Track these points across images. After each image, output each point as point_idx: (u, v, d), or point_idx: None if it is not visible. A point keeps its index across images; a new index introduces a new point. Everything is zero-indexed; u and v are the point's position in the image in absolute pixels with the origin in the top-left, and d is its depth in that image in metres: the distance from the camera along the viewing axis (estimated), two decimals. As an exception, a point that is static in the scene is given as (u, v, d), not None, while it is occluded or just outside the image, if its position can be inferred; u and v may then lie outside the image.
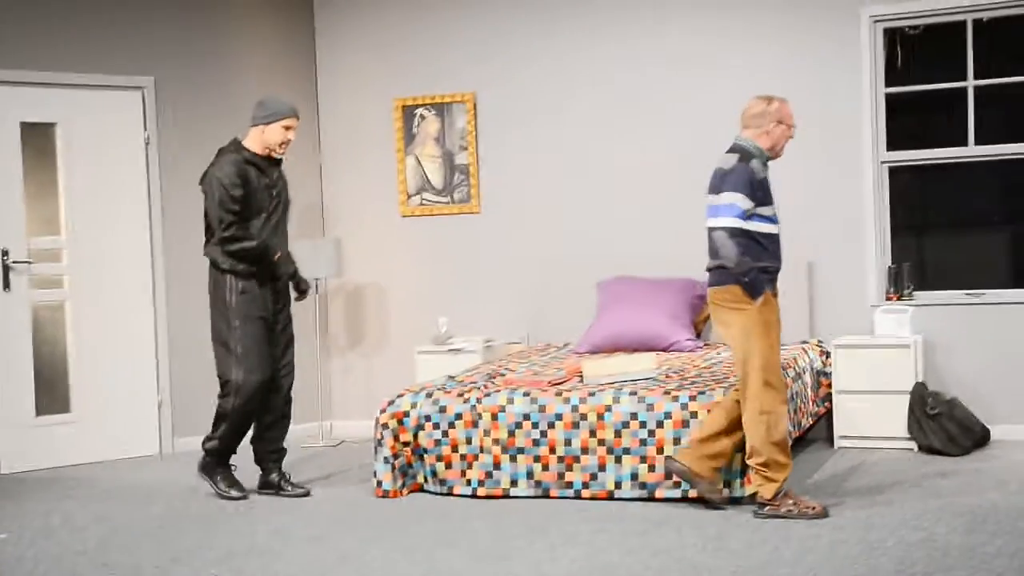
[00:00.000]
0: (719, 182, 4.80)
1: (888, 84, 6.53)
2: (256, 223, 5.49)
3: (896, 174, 6.60)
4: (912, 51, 6.53)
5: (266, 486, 5.68)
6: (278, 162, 5.64)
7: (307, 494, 5.61)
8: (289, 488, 5.64)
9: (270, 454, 5.68)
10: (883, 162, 6.55)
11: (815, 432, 6.57)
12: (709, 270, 4.91)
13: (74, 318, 6.74)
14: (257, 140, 5.52)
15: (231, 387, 5.48)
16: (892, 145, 6.55)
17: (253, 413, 5.57)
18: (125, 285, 6.88)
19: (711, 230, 4.80)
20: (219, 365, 5.55)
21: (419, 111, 7.34)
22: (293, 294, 5.76)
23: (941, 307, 6.41)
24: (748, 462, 4.84)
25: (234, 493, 5.57)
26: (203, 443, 5.65)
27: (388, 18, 7.44)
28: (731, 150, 4.85)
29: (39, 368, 6.65)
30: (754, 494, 4.92)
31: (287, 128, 5.49)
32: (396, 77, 7.41)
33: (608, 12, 6.99)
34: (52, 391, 6.70)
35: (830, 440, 6.42)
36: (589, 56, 7.05)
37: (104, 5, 6.80)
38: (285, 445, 5.75)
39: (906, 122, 6.73)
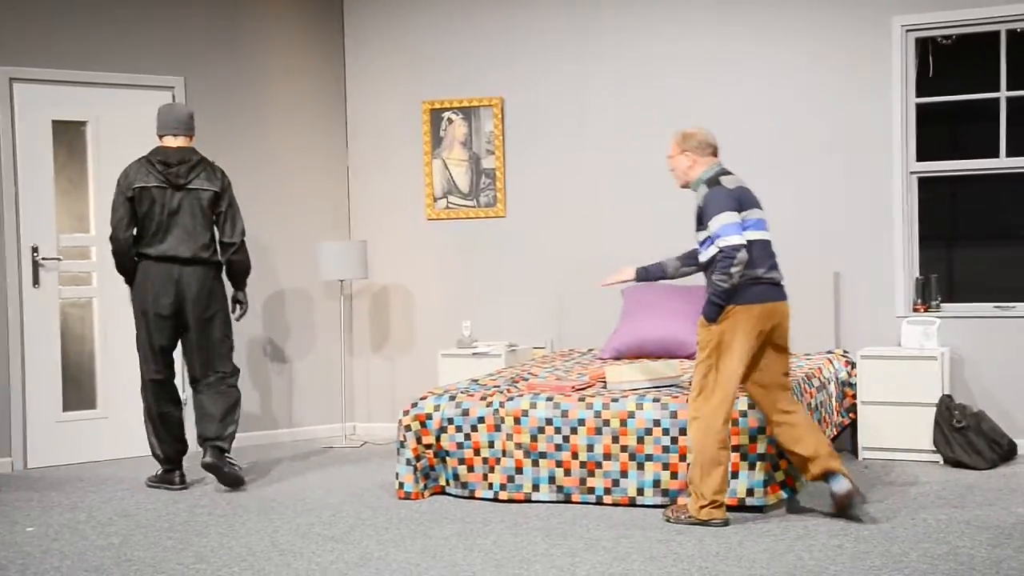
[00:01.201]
0: (708, 211, 4.79)
1: (919, 94, 6.50)
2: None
3: (926, 184, 6.56)
4: (944, 61, 6.49)
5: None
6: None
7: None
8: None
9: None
10: (912, 172, 6.50)
11: (839, 443, 6.54)
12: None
13: (102, 315, 6.79)
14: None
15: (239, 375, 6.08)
16: (922, 155, 6.51)
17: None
18: None
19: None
20: (230, 357, 5.97)
21: (446, 114, 7.35)
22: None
23: (969, 319, 6.36)
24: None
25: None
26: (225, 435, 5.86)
27: (417, 21, 7.47)
28: (707, 181, 4.88)
29: (66, 364, 6.70)
30: (775, 504, 4.93)
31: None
32: (424, 80, 7.44)
33: (635, 18, 6.98)
34: (79, 387, 6.75)
35: (854, 451, 6.38)
36: (616, 61, 7.04)
37: (136, 5, 6.86)
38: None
39: (937, 132, 6.68)
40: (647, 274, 5.20)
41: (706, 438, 4.78)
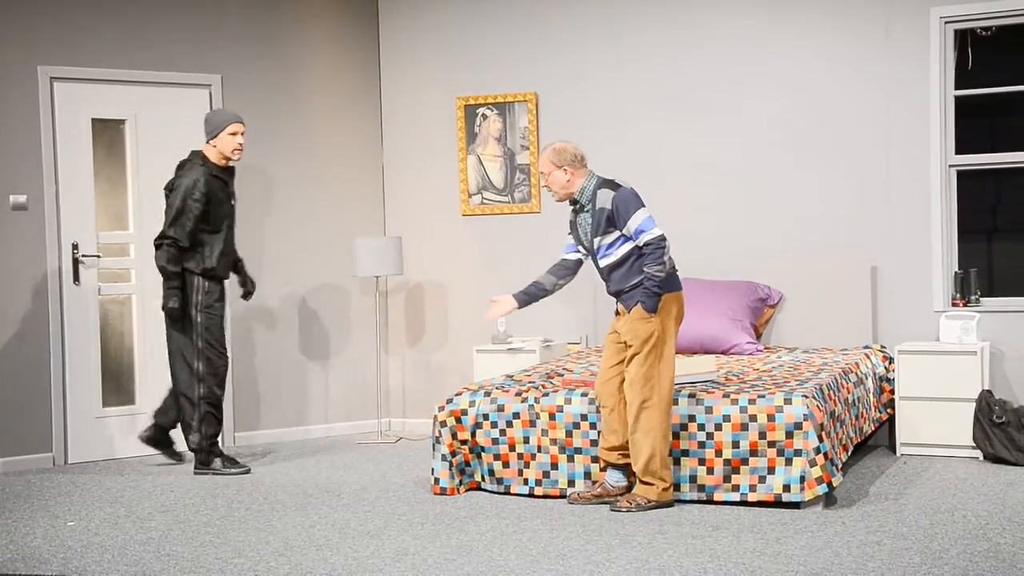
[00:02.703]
0: (624, 211, 4.99)
1: (958, 86, 6.42)
2: (221, 232, 6.16)
3: (965, 177, 6.49)
4: (983, 53, 6.41)
5: (161, 444, 6.47)
6: (232, 171, 6.27)
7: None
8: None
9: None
10: (951, 165, 6.44)
11: (877, 439, 6.49)
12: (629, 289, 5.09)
13: (140, 312, 6.85)
14: (214, 154, 6.16)
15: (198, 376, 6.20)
16: (961, 148, 6.44)
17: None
18: None
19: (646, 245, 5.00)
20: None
21: (481, 110, 7.36)
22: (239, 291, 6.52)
23: (1009, 314, 6.30)
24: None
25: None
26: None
27: (451, 17, 7.47)
28: (601, 187, 5.07)
29: (105, 361, 6.77)
30: (812, 500, 4.95)
31: (233, 134, 6.12)
32: (458, 76, 7.44)
33: (671, 13, 6.95)
34: (118, 383, 6.82)
35: (892, 447, 6.34)
36: (651, 56, 7.02)
37: (173, 4, 6.91)
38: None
39: (976, 125, 6.61)
40: (528, 298, 5.38)
41: (664, 426, 4.98)
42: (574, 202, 5.22)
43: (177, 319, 6.11)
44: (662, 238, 4.96)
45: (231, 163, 6.23)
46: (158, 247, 6.08)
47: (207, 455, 6.18)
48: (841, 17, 6.59)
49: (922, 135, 6.42)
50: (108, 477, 6.21)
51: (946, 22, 6.37)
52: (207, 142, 6.15)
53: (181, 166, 6.20)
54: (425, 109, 7.49)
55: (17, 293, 6.51)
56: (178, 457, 6.47)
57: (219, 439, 6.30)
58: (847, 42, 6.57)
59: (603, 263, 5.11)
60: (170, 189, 6.14)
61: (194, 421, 6.17)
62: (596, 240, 5.09)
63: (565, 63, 7.20)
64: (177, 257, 6.07)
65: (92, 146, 6.71)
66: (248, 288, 6.47)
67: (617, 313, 5.18)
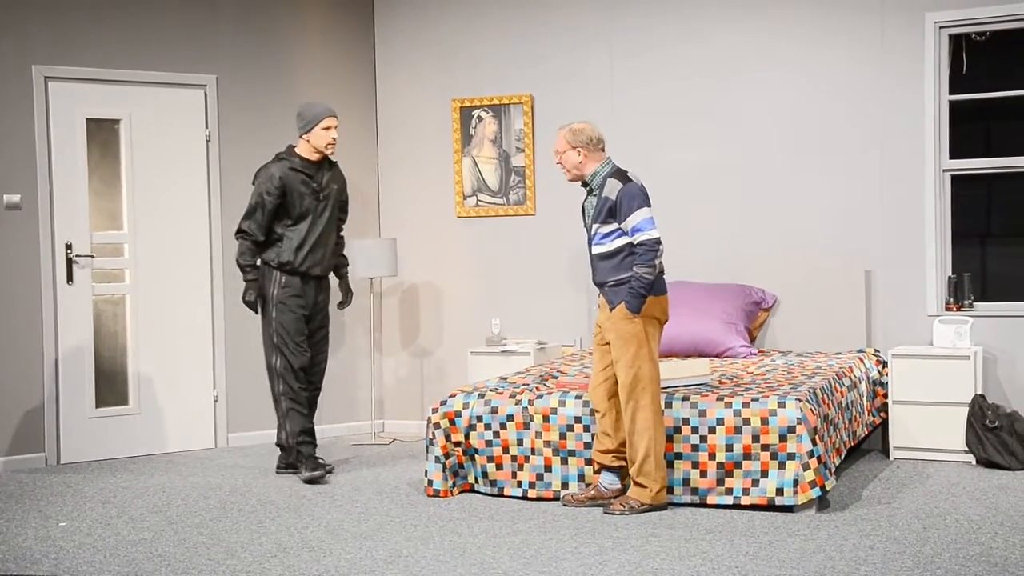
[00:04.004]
0: (626, 206, 4.98)
1: (952, 91, 6.42)
2: (301, 226, 5.93)
3: (959, 182, 6.49)
4: (978, 57, 6.41)
5: (290, 467, 6.11)
6: (331, 165, 6.04)
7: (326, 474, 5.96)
8: (312, 469, 5.97)
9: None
10: (945, 170, 6.44)
11: (870, 442, 6.50)
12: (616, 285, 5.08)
13: (134, 312, 6.84)
14: (306, 148, 5.98)
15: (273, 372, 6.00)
16: (955, 153, 6.43)
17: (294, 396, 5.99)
18: (184, 280, 6.97)
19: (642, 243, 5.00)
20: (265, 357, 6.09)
21: (476, 112, 7.35)
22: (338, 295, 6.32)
23: (1002, 319, 6.30)
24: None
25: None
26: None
27: (446, 19, 7.46)
28: (612, 175, 5.05)
29: (99, 361, 6.75)
30: (805, 503, 4.95)
31: (327, 128, 5.91)
32: (454, 78, 7.43)
33: (666, 16, 6.95)
34: (112, 383, 6.80)
35: (885, 451, 6.34)
36: (646, 59, 7.01)
37: (169, 4, 6.89)
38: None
39: (970, 130, 6.61)
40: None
41: (657, 428, 4.99)
42: (585, 184, 5.20)
43: (256, 312, 6.03)
44: (657, 241, 4.96)
45: (327, 156, 6.01)
46: (238, 240, 5.99)
47: (294, 454, 5.98)
48: (836, 22, 6.58)
49: (917, 139, 6.43)
50: (101, 477, 6.19)
51: (941, 27, 6.37)
52: (300, 136, 5.96)
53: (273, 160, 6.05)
54: (420, 111, 7.48)
55: (10, 293, 6.50)
56: (322, 467, 5.99)
57: (312, 438, 6.00)
58: (842, 46, 6.57)
59: (595, 250, 5.10)
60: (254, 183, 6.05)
61: (279, 418, 6.04)
62: (594, 226, 5.09)
63: (561, 65, 7.20)
64: (251, 250, 5.94)
65: (87, 146, 6.69)
66: (343, 299, 6.28)
67: (600, 306, 5.20)
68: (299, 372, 5.97)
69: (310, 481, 5.86)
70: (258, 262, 6.01)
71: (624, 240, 5.03)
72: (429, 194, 7.53)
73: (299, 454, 5.96)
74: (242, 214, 6.01)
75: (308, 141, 5.94)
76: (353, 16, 7.55)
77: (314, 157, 5.96)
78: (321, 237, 5.99)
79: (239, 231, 5.97)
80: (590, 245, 5.15)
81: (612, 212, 5.01)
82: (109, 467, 6.49)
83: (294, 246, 5.93)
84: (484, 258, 7.41)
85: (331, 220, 6.05)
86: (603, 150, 5.14)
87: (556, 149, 5.17)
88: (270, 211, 5.89)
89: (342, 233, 6.26)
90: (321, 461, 6.01)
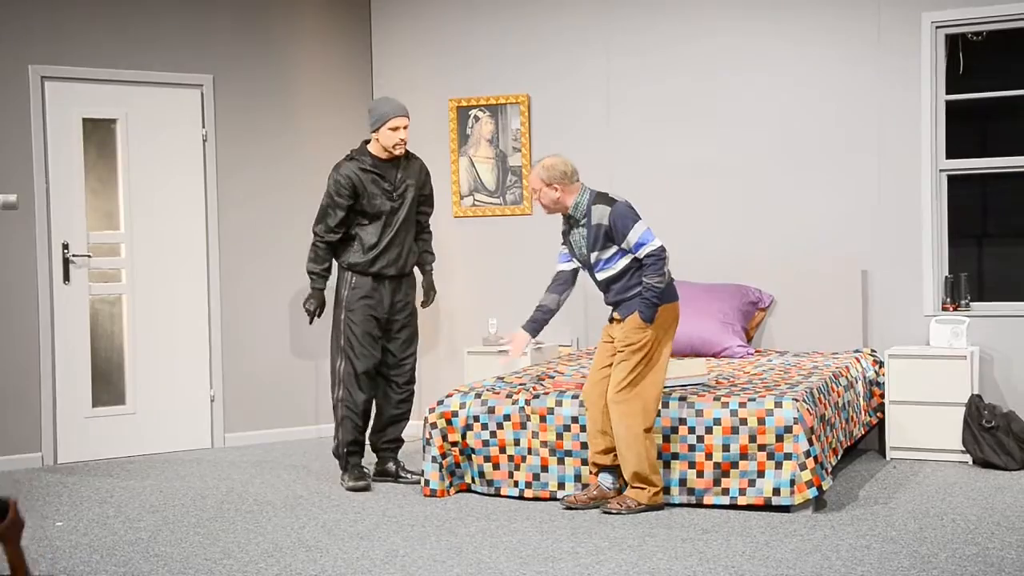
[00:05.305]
0: (622, 226, 4.99)
1: (948, 91, 6.42)
2: (374, 227, 5.73)
3: (956, 182, 6.48)
4: (974, 58, 6.40)
5: (383, 474, 5.91)
6: (403, 163, 5.79)
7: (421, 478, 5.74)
8: (406, 475, 5.85)
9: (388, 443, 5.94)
10: (942, 170, 6.43)
11: (866, 443, 6.49)
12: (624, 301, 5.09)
13: (131, 312, 6.82)
14: (376, 147, 5.75)
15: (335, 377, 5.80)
16: (952, 153, 6.42)
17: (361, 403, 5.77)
18: (181, 280, 6.95)
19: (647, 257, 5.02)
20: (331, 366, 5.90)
21: (473, 112, 7.33)
22: (420, 296, 6.12)
23: (999, 319, 6.29)
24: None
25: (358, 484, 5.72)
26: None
27: (444, 19, 7.45)
28: (595, 202, 5.05)
29: (96, 361, 6.74)
30: (802, 504, 4.95)
31: (394, 129, 5.67)
32: (451, 77, 7.42)
33: (661, 15, 6.95)
34: (108, 383, 6.79)
35: (882, 451, 6.34)
36: (643, 59, 7.00)
37: (165, 4, 6.88)
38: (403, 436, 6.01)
39: (967, 130, 6.60)
40: (538, 325, 5.29)
41: (647, 442, 4.97)
42: (568, 216, 5.19)
43: (312, 321, 5.82)
44: (662, 249, 4.97)
45: (395, 155, 5.74)
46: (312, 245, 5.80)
47: (343, 461, 5.75)
48: (833, 21, 6.58)
49: (913, 139, 6.42)
50: (97, 478, 6.18)
51: (937, 27, 6.36)
52: (371, 132, 5.73)
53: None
54: (417, 110, 7.44)
55: (7, 292, 6.49)
56: (407, 473, 5.86)
57: (361, 448, 5.80)
58: (839, 46, 6.56)
59: (601, 276, 5.10)
60: None
61: (336, 425, 5.80)
62: (594, 255, 5.08)
63: (558, 65, 7.19)
64: (320, 256, 5.73)
65: (83, 146, 6.68)
66: (425, 297, 6.02)
67: (612, 320, 5.16)
68: (363, 377, 5.72)
69: (354, 490, 5.67)
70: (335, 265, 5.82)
71: (627, 259, 5.03)
72: (426, 194, 7.50)
73: (346, 462, 5.76)
74: (314, 216, 5.81)
75: (377, 140, 5.71)
76: (350, 15, 7.55)
77: (385, 156, 5.72)
78: (396, 237, 5.74)
79: (313, 235, 5.76)
80: (592, 273, 5.13)
81: (609, 236, 5.02)
82: (106, 467, 6.48)
83: (366, 247, 5.70)
84: (481, 258, 7.40)
85: (408, 219, 5.79)
86: (578, 180, 5.13)
87: (532, 187, 5.15)
88: (342, 214, 5.67)
89: (428, 229, 6.01)
90: (366, 471, 5.81)
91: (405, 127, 5.70)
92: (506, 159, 7.29)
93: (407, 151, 5.81)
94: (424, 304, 6.07)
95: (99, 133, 6.75)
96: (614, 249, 5.03)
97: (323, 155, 7.43)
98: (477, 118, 7.33)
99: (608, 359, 5.12)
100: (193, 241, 6.99)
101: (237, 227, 7.06)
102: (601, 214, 5.02)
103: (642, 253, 4.98)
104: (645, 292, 4.96)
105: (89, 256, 6.69)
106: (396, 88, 7.56)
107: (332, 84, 7.44)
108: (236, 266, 7.06)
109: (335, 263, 5.85)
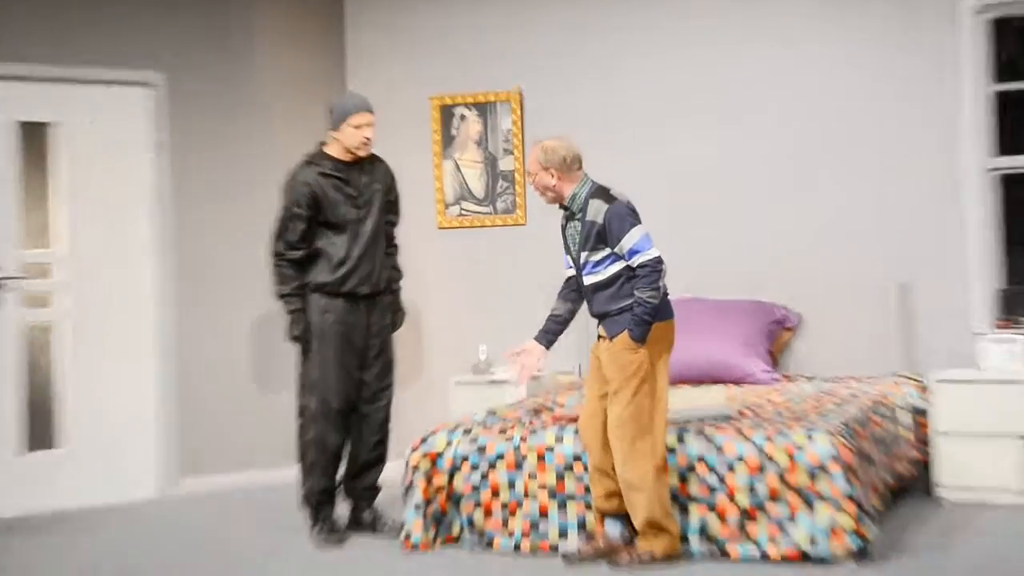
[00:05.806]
0: (617, 228, 4.72)
1: (997, 80, 6.18)
2: (341, 239, 5.37)
3: (1014, 182, 6.24)
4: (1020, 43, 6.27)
5: (356, 524, 5.53)
6: (367, 165, 5.45)
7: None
8: (384, 526, 5.44)
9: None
10: (990, 169, 6.16)
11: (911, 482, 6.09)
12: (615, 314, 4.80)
13: (66, 341, 6.47)
14: (336, 148, 5.41)
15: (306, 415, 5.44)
16: (1006, 149, 6.18)
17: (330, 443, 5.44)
18: (128, 305, 6.64)
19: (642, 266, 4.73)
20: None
21: (459, 111, 7.14)
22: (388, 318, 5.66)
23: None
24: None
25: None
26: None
27: (424, 7, 7.27)
28: (593, 196, 4.79)
29: (32, 396, 6.37)
30: (843, 556, 4.60)
31: (358, 127, 5.33)
32: (432, 73, 7.21)
33: (668, 3, 6.76)
34: (43, 423, 6.39)
35: (927, 490, 5.94)
36: (646, 50, 6.79)
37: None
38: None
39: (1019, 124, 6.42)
40: (553, 336, 5.08)
41: (658, 483, 4.69)
42: (565, 207, 4.92)
43: (306, 351, 5.33)
44: (659, 260, 4.72)
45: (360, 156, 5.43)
46: (272, 267, 5.40)
47: (313, 512, 5.34)
48: (859, 8, 6.37)
49: (953, 136, 6.18)
50: (22, 537, 5.76)
51: (978, 12, 6.10)
52: (330, 131, 5.39)
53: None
54: (395, 110, 7.18)
55: (-71, 319, 6.17)
56: (386, 524, 5.45)
57: (334, 496, 5.42)
58: (866, 36, 6.35)
59: (588, 281, 4.83)
60: None
61: (302, 471, 5.38)
62: (583, 255, 4.82)
63: (551, 58, 6.97)
64: (286, 276, 5.31)
65: (19, 153, 6.36)
66: (391, 320, 5.58)
67: (599, 337, 4.87)
68: (338, 416, 5.34)
69: (326, 544, 5.26)
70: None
71: (620, 265, 4.76)
72: (406, 203, 7.11)
73: (317, 513, 5.36)
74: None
75: (338, 140, 5.35)
76: (320, 6, 7.37)
77: (347, 158, 5.36)
78: (367, 250, 5.35)
79: (272, 254, 5.33)
80: (581, 276, 4.87)
81: (601, 237, 4.77)
82: (35, 525, 5.99)
83: (334, 263, 5.30)
84: (469, 275, 7.16)
85: (377, 229, 5.41)
86: (580, 169, 4.87)
87: (528, 170, 4.92)
88: (303, 226, 5.27)
89: (395, 242, 5.62)
90: (339, 523, 5.41)
91: (370, 124, 5.35)
92: (496, 163, 7.08)
93: (371, 153, 5.47)
94: (392, 328, 5.65)
95: (35, 138, 6.48)
96: (606, 252, 4.77)
97: (292, 161, 7.11)
98: (463, 117, 7.13)
99: (602, 386, 4.83)
100: (143, 261, 6.70)
101: (193, 245, 6.79)
102: (596, 210, 4.77)
103: (635, 262, 4.72)
104: (637, 308, 4.68)
105: (23, 278, 6.34)
106: (372, 85, 7.27)
107: (301, 83, 7.20)
108: (192, 289, 6.78)
109: None
